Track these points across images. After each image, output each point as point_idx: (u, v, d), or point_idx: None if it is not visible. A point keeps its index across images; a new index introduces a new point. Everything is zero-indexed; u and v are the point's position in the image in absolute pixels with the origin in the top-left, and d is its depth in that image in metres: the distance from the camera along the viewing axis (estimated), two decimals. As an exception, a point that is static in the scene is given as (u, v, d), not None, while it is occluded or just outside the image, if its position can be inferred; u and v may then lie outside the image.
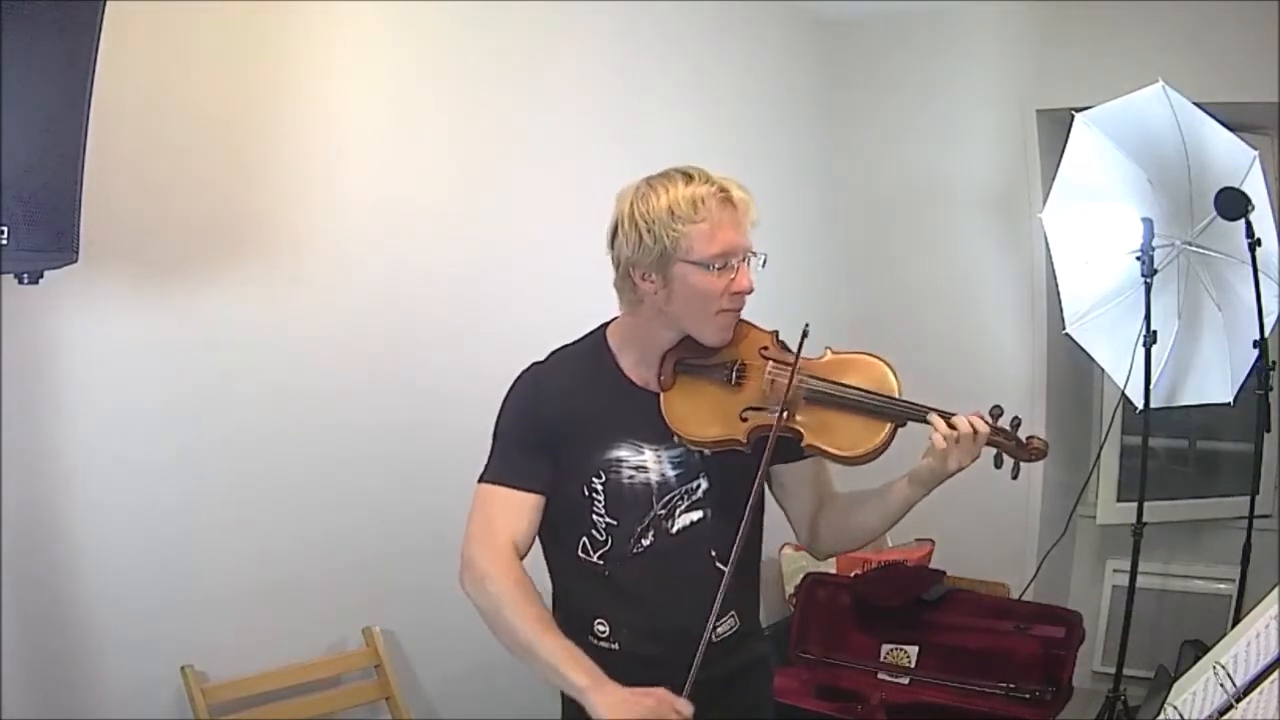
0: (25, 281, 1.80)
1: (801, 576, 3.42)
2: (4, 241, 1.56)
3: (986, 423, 1.51)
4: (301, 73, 2.43)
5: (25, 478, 2.00)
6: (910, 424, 1.53)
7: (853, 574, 3.39)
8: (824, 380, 1.55)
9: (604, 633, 1.61)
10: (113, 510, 2.13)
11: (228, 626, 2.29)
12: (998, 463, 1.57)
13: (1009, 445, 1.55)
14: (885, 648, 3.19)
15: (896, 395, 1.54)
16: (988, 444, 1.52)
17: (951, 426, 1.49)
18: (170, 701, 2.19)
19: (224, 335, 2.30)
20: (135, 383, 2.16)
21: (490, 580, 1.54)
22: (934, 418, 1.50)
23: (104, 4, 1.65)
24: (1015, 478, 1.57)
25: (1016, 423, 1.55)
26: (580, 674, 1.45)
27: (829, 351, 1.61)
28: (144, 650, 2.16)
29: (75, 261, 1.72)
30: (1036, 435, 1.56)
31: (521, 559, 1.59)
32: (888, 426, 1.52)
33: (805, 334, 1.53)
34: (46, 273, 1.80)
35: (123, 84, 1.98)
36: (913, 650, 3.15)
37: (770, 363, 1.57)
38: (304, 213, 2.44)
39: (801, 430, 1.53)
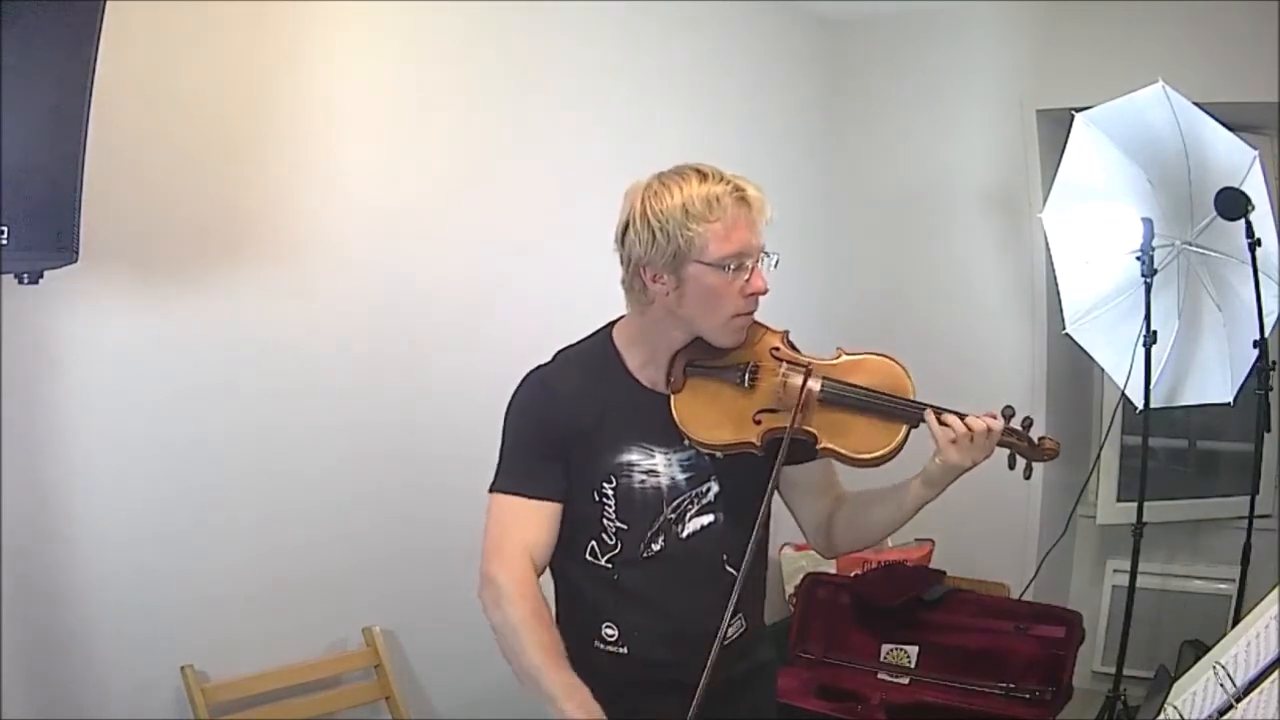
0: (25, 281, 1.80)
1: (801, 576, 3.42)
2: (4, 241, 1.56)
3: (999, 423, 1.50)
4: (302, 72, 2.43)
5: (25, 477, 2.00)
6: (924, 425, 1.51)
7: (853, 574, 3.39)
8: (838, 382, 1.54)
9: (613, 637, 1.59)
10: (113, 510, 2.13)
11: (228, 626, 2.29)
12: (1011, 464, 1.56)
13: (1021, 446, 1.54)
14: (885, 648, 3.19)
15: (911, 396, 1.53)
16: (1001, 444, 1.52)
17: (967, 427, 1.48)
18: (170, 701, 2.19)
19: (224, 335, 2.30)
20: (136, 382, 2.16)
21: (509, 603, 1.50)
22: (930, 415, 1.50)
23: (104, 4, 1.65)
24: (1028, 478, 1.56)
25: (1028, 423, 1.55)
26: (575, 708, 1.41)
27: (841, 352, 1.59)
28: (144, 650, 2.16)
29: (75, 261, 1.72)
30: (1049, 436, 1.55)
31: (540, 573, 1.56)
32: (903, 428, 1.51)
33: None
34: (46, 273, 1.80)
35: (123, 84, 1.98)
36: (913, 650, 3.15)
37: (783, 364, 1.56)
38: (304, 212, 2.44)
39: (816, 433, 1.52)
